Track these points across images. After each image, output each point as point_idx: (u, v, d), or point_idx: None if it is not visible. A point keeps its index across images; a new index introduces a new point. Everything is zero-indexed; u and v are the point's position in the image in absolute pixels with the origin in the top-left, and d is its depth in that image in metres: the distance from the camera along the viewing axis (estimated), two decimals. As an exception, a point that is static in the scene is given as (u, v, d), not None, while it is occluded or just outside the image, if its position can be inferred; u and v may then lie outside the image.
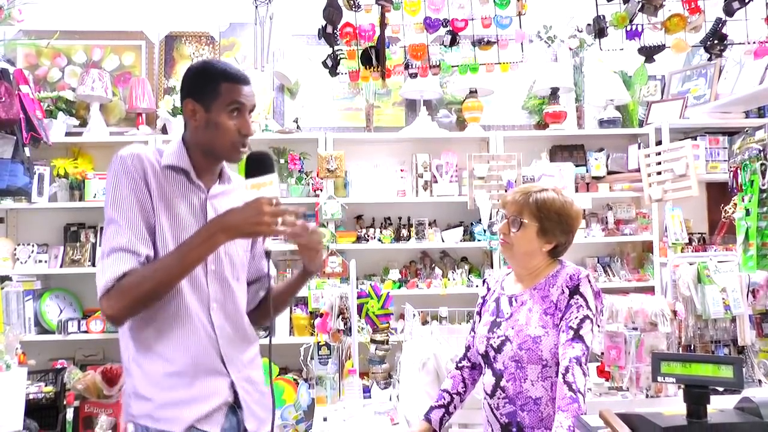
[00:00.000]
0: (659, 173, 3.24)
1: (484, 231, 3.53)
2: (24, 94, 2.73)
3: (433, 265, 3.73)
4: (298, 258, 1.48)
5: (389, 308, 2.67)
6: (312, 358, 2.58)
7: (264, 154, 1.38)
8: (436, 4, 2.34)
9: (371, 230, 3.65)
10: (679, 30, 2.27)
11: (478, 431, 2.16)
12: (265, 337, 1.56)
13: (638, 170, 3.43)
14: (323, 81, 3.72)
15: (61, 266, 3.50)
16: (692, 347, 2.49)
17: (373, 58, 2.36)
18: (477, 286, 3.48)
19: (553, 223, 1.68)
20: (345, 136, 3.75)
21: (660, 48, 2.32)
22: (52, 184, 3.52)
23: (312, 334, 3.07)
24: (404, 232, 3.67)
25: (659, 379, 1.09)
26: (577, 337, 1.58)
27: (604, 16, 2.29)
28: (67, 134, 3.57)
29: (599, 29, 2.29)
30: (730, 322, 2.47)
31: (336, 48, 2.39)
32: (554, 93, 3.77)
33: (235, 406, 1.44)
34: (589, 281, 1.65)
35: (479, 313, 1.85)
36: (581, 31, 3.65)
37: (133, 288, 1.29)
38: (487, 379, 1.71)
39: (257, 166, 1.35)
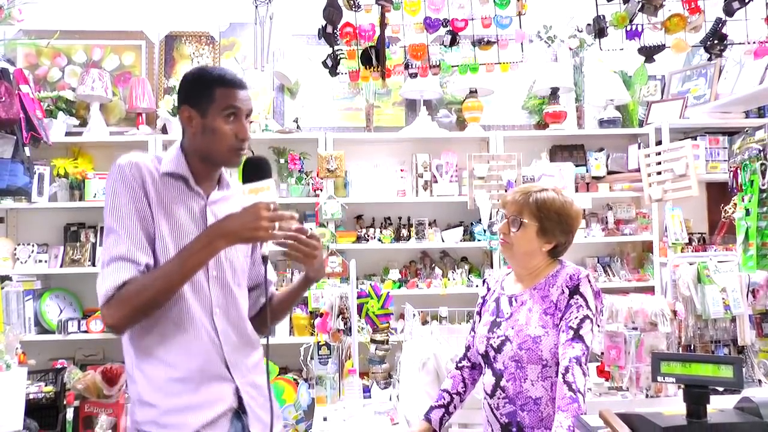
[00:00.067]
0: (659, 173, 3.24)
1: (484, 231, 3.53)
2: (24, 93, 2.73)
3: (433, 265, 3.73)
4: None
5: (389, 308, 2.67)
6: (312, 358, 2.58)
7: (261, 159, 1.38)
8: (436, 4, 2.34)
9: (371, 230, 3.65)
10: (679, 30, 2.27)
11: (478, 431, 2.16)
12: (264, 336, 1.56)
13: (638, 170, 3.43)
14: (323, 81, 3.72)
15: (61, 266, 3.50)
16: (692, 347, 2.49)
17: (373, 58, 2.36)
18: (477, 286, 3.48)
19: (553, 223, 1.68)
20: (345, 136, 3.75)
21: (660, 48, 2.32)
22: (52, 183, 3.52)
23: (312, 334, 3.07)
24: (404, 232, 3.67)
25: (659, 379, 1.09)
26: (577, 337, 1.58)
27: (604, 16, 2.29)
28: (67, 134, 3.57)
29: (599, 29, 2.29)
30: (730, 322, 2.48)
31: (336, 48, 2.39)
32: (554, 93, 3.77)
33: (239, 412, 1.43)
34: (589, 281, 1.65)
35: (479, 313, 1.85)
36: (581, 31, 3.65)
37: (134, 296, 1.29)
38: (487, 379, 1.71)
39: (254, 171, 1.35)
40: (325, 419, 2.29)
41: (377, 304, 2.64)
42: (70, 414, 2.84)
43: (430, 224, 3.71)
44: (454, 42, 2.37)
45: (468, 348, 1.89)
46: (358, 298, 2.62)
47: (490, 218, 3.46)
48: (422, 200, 3.70)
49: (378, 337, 2.63)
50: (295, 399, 2.56)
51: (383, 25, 2.33)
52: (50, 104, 3.52)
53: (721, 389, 1.11)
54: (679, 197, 3.17)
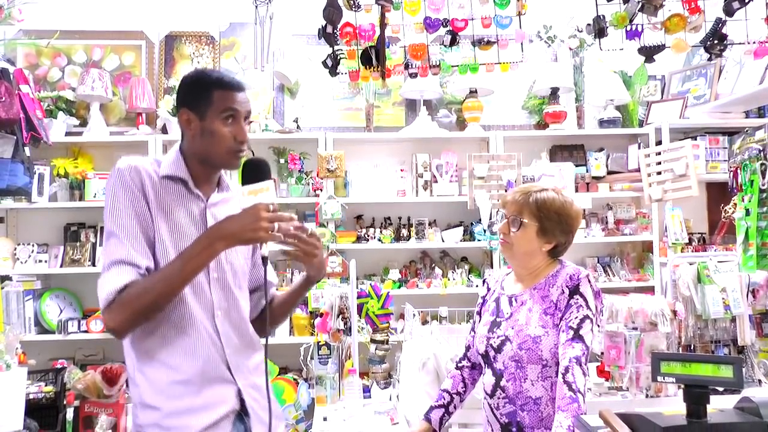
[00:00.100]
0: (659, 173, 3.24)
1: (484, 231, 3.53)
2: (24, 93, 2.72)
3: (433, 265, 3.73)
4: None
5: (389, 308, 2.67)
6: (312, 358, 2.58)
7: (260, 160, 1.38)
8: (436, 4, 2.34)
9: (371, 230, 3.65)
10: (679, 30, 2.27)
11: (478, 431, 2.16)
12: (263, 336, 1.56)
13: (638, 170, 3.43)
14: (323, 81, 3.72)
15: (61, 266, 3.50)
16: (692, 347, 2.49)
17: (373, 58, 2.36)
18: (477, 286, 3.48)
19: (553, 222, 1.68)
20: (345, 136, 3.75)
21: (660, 48, 2.32)
22: (52, 183, 3.52)
23: (312, 334, 3.08)
24: (404, 232, 3.67)
25: (659, 379, 1.09)
26: (577, 336, 1.58)
27: (604, 16, 2.29)
28: (67, 134, 3.57)
29: (599, 29, 2.29)
30: (730, 322, 2.48)
31: (336, 48, 2.39)
32: (554, 93, 3.77)
33: (242, 414, 1.43)
34: (589, 281, 1.65)
35: (479, 313, 1.85)
36: (581, 31, 3.65)
37: (135, 299, 1.29)
38: (487, 379, 1.71)
39: (254, 172, 1.36)
40: (325, 419, 2.29)
41: (377, 304, 2.64)
42: (70, 414, 2.84)
43: (430, 224, 3.71)
44: (454, 42, 2.37)
45: (468, 348, 1.89)
46: (358, 298, 2.62)
47: (490, 218, 3.46)
48: (422, 200, 3.70)
49: (378, 337, 2.64)
50: (295, 399, 2.57)
51: (383, 25, 2.33)
52: (50, 104, 3.52)
53: (721, 389, 1.11)
54: (679, 197, 3.17)
